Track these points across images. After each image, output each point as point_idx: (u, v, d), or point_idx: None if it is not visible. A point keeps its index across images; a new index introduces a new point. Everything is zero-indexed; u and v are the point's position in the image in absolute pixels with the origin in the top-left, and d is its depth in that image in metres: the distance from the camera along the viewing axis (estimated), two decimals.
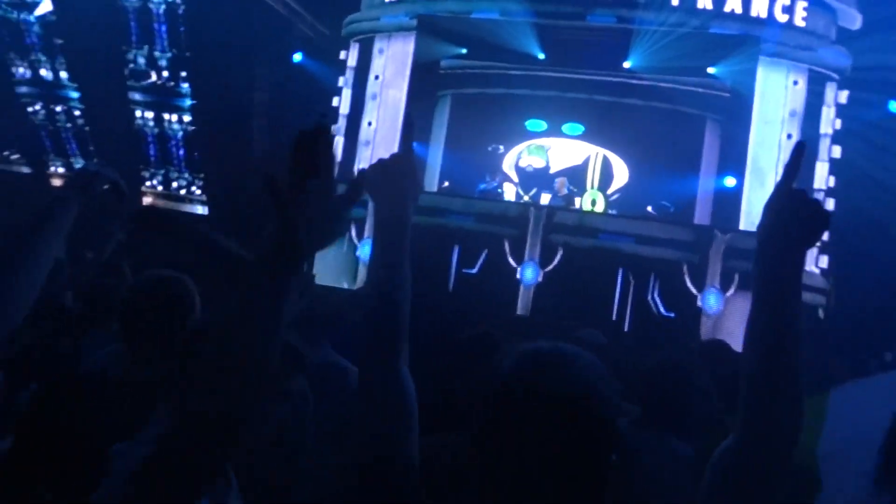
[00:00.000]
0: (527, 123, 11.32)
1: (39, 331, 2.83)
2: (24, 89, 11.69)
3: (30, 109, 11.80)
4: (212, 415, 0.96)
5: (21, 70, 11.60)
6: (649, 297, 8.74)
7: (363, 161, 10.24)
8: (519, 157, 11.38)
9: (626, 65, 10.26)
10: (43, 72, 11.55)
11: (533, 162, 11.34)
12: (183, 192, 11.44)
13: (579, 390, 0.98)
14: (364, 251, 9.22)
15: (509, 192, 11.04)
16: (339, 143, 10.18)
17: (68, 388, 2.00)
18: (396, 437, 1.19)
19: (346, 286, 8.82)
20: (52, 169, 11.96)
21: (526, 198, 10.85)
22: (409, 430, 1.19)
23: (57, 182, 11.70)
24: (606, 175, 11.10)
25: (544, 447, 0.96)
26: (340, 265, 9.07)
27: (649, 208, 10.24)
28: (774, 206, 1.18)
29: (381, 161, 1.33)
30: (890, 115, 9.47)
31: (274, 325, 0.96)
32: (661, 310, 8.72)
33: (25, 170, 12.19)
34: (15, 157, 12.24)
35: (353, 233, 9.29)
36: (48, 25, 11.25)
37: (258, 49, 10.80)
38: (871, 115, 9.26)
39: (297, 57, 11.02)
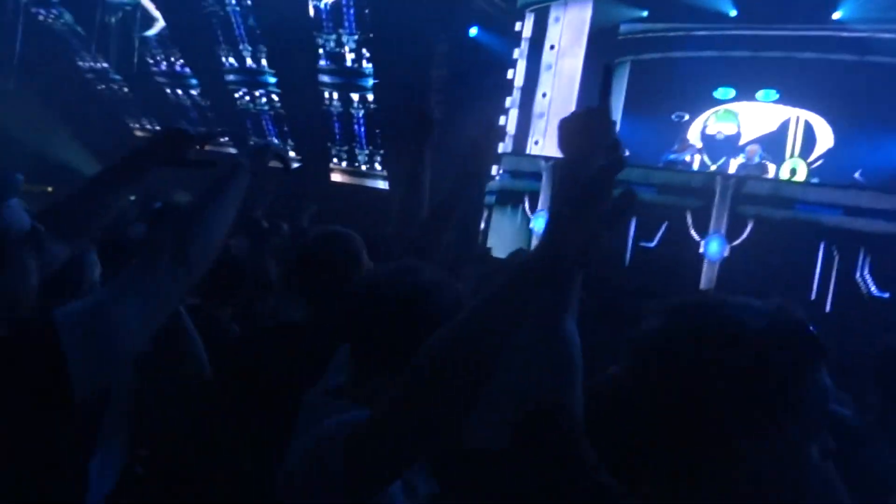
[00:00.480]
0: (715, 91, 10.50)
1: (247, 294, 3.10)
2: (231, 77, 12.94)
3: (236, 96, 13.06)
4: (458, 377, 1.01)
5: (230, 60, 12.84)
6: (857, 276, 7.80)
7: (537, 133, 10.13)
8: (706, 124, 10.62)
9: (836, 16, 9.12)
10: (248, 60, 12.70)
11: (722, 129, 10.52)
12: (365, 167, 12.07)
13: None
14: (538, 223, 9.14)
15: (695, 162, 10.36)
16: (513, 115, 10.15)
17: (271, 336, 2.17)
18: (560, 388, 1.15)
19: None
20: None
21: (713, 167, 10.12)
22: (572, 383, 1.16)
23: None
24: (808, 140, 10.02)
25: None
26: (514, 237, 9.08)
27: (857, 175, 9.09)
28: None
29: (575, 113, 1.32)
30: None
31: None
32: (873, 289, 7.74)
33: (232, 151, 13.55)
34: (225, 139, 13.64)
35: (527, 205, 9.25)
36: (249, 16, 12.33)
37: (436, 25, 11.02)
38: None
39: (474, 31, 11.10)
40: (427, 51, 10.98)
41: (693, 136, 10.66)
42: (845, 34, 9.45)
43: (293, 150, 12.26)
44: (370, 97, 11.77)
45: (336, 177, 12.25)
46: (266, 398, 1.74)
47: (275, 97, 12.68)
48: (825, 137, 9.93)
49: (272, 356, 1.92)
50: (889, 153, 9.05)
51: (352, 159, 12.19)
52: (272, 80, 12.60)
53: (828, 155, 9.83)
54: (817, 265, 8.05)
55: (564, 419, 1.13)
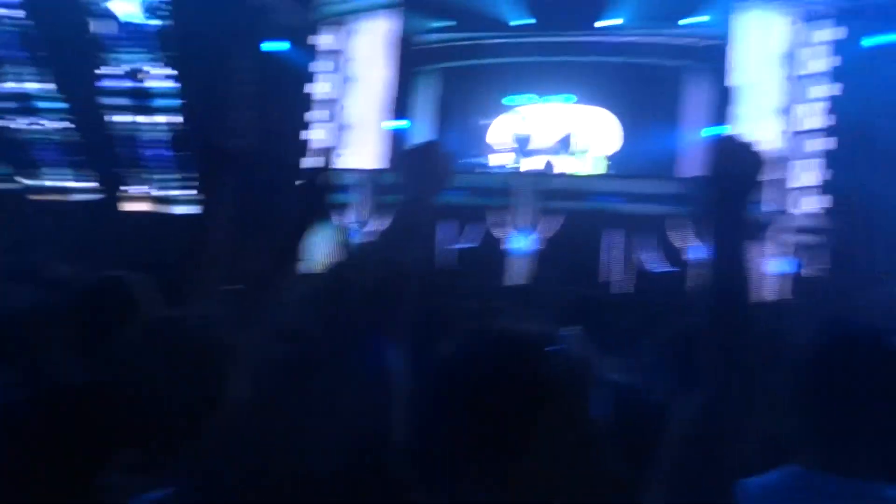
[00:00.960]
0: (513, 96, 11.10)
1: None
2: (8, 104, 11.75)
3: (20, 122, 11.89)
4: None
5: (7, 84, 11.66)
6: (643, 255, 8.56)
7: (345, 145, 10.14)
8: (509, 125, 11.18)
9: (609, 22, 9.99)
10: (32, 84, 11.60)
11: (525, 128, 11.13)
12: (175, 193, 11.44)
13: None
14: (349, 237, 9.15)
15: (501, 163, 10.86)
16: (319, 128, 10.10)
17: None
18: (388, 412, 1.20)
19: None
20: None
21: (518, 166, 10.66)
22: (400, 407, 1.21)
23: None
24: (600, 136, 10.87)
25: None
26: (326, 252, 8.99)
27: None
28: (712, 156, 1.21)
29: (416, 145, 1.47)
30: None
31: None
32: (660, 266, 8.53)
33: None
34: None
35: (340, 218, 9.21)
36: (30, 36, 11.29)
37: (237, 40, 10.70)
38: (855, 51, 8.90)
39: (277, 45, 10.91)
40: (228, 67, 10.64)
41: (497, 137, 11.19)
42: (618, 39, 10.39)
43: (87, 179, 11.40)
44: (167, 119, 11.19)
45: (133, 205, 11.51)
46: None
47: (62, 124, 11.68)
48: (616, 133, 10.85)
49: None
50: (666, 144, 10.07)
51: (156, 186, 11.51)
52: (60, 105, 11.61)
53: (621, 150, 10.75)
54: (614, 249, 8.74)
55: (383, 441, 1.17)
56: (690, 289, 7.81)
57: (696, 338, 2.11)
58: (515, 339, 1.01)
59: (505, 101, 10.96)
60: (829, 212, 8.73)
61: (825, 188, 8.81)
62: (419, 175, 1.40)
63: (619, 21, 9.96)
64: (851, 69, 8.89)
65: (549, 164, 10.40)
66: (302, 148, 10.10)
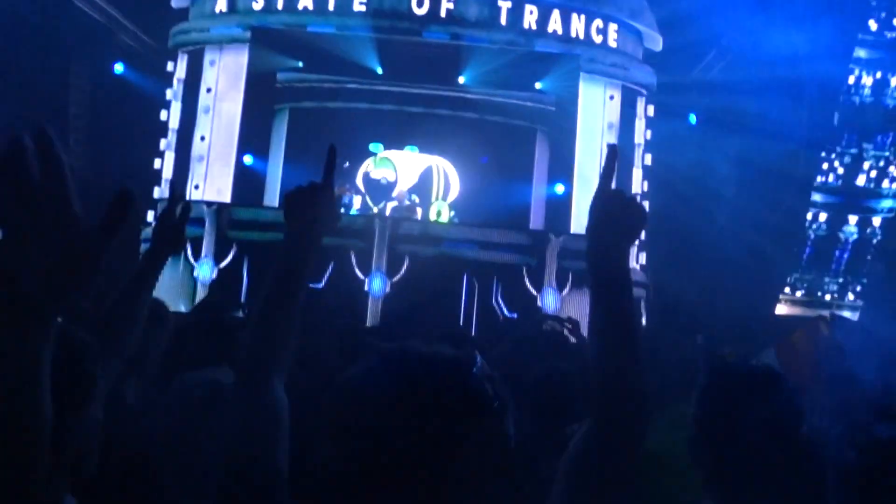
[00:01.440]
0: (369, 144, 11.38)
1: None
2: None
3: None
4: None
5: None
6: (493, 301, 9.10)
7: (197, 177, 9.77)
8: (367, 170, 11.42)
9: (461, 80, 10.68)
10: None
11: (381, 174, 11.42)
12: None
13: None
14: (203, 270, 8.78)
15: (357, 205, 11.05)
16: (169, 158, 9.66)
17: None
18: (267, 442, 1.21)
19: (182, 309, 8.33)
20: None
21: (375, 209, 10.90)
22: (277, 439, 1.22)
23: None
24: (447, 186, 11.46)
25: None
26: (178, 286, 8.56)
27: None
28: (597, 207, 1.24)
29: (301, 188, 1.38)
30: (691, 126, 10.68)
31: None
32: (505, 311, 9.11)
33: None
34: None
35: (190, 252, 8.82)
36: None
37: (73, 59, 9.97)
38: (675, 126, 10.39)
39: (119, 68, 10.32)
40: (62, 85, 9.86)
41: (356, 179, 11.39)
42: (469, 95, 11.15)
43: None
44: None
45: None
46: None
47: None
48: (457, 184, 11.52)
49: None
50: (508, 196, 10.89)
51: None
52: None
53: (462, 199, 11.40)
54: (463, 294, 9.19)
55: (262, 474, 1.18)
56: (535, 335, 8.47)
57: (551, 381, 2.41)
58: (434, 361, 0.95)
59: (371, 146, 11.23)
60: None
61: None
62: (305, 216, 1.35)
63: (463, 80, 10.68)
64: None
65: (401, 208, 10.77)
66: (153, 176, 9.58)
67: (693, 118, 11.08)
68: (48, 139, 0.73)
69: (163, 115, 9.95)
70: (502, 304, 9.18)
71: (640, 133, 10.72)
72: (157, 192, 9.32)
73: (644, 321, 10.22)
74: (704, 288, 9.31)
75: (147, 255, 1.94)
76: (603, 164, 1.31)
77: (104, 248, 0.76)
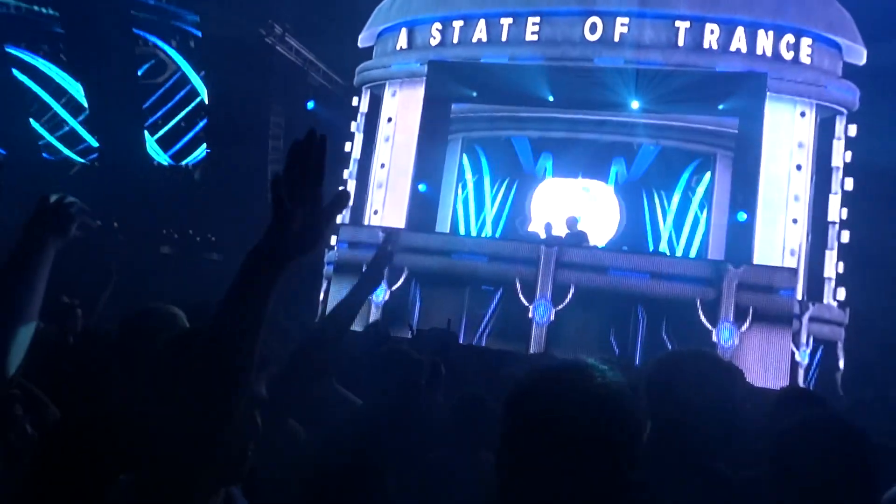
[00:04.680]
0: (537, 167, 11.41)
1: None
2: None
3: None
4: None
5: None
6: (662, 334, 8.63)
7: (376, 203, 10.39)
8: (536, 197, 11.45)
9: (635, 105, 10.36)
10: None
11: (549, 202, 11.39)
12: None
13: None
14: (377, 293, 9.27)
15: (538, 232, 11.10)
16: (350, 185, 10.35)
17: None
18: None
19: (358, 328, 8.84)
20: None
21: (542, 235, 10.86)
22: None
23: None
24: (611, 214, 11.15)
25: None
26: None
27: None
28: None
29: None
30: None
31: (257, 317, 1.06)
32: (674, 346, 8.59)
33: None
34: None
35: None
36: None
37: (274, 98, 11.11)
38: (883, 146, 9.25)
39: (310, 104, 11.31)
40: (264, 123, 11.01)
41: (530, 207, 11.46)
42: (643, 120, 10.77)
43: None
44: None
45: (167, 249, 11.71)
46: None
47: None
48: (621, 212, 11.13)
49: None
50: (682, 225, 10.33)
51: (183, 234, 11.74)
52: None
53: (623, 228, 11.01)
54: (629, 324, 8.81)
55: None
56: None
57: None
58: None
59: (538, 168, 11.28)
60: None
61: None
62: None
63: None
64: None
65: (580, 232, 10.54)
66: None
67: None
68: (323, 137, 1.02)
69: (347, 146, 10.73)
70: (672, 339, 8.67)
71: (839, 155, 9.70)
72: (339, 218, 10.02)
73: (841, 364, 9.14)
74: None
75: (360, 282, 2.53)
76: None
77: (330, 223, 1.06)
